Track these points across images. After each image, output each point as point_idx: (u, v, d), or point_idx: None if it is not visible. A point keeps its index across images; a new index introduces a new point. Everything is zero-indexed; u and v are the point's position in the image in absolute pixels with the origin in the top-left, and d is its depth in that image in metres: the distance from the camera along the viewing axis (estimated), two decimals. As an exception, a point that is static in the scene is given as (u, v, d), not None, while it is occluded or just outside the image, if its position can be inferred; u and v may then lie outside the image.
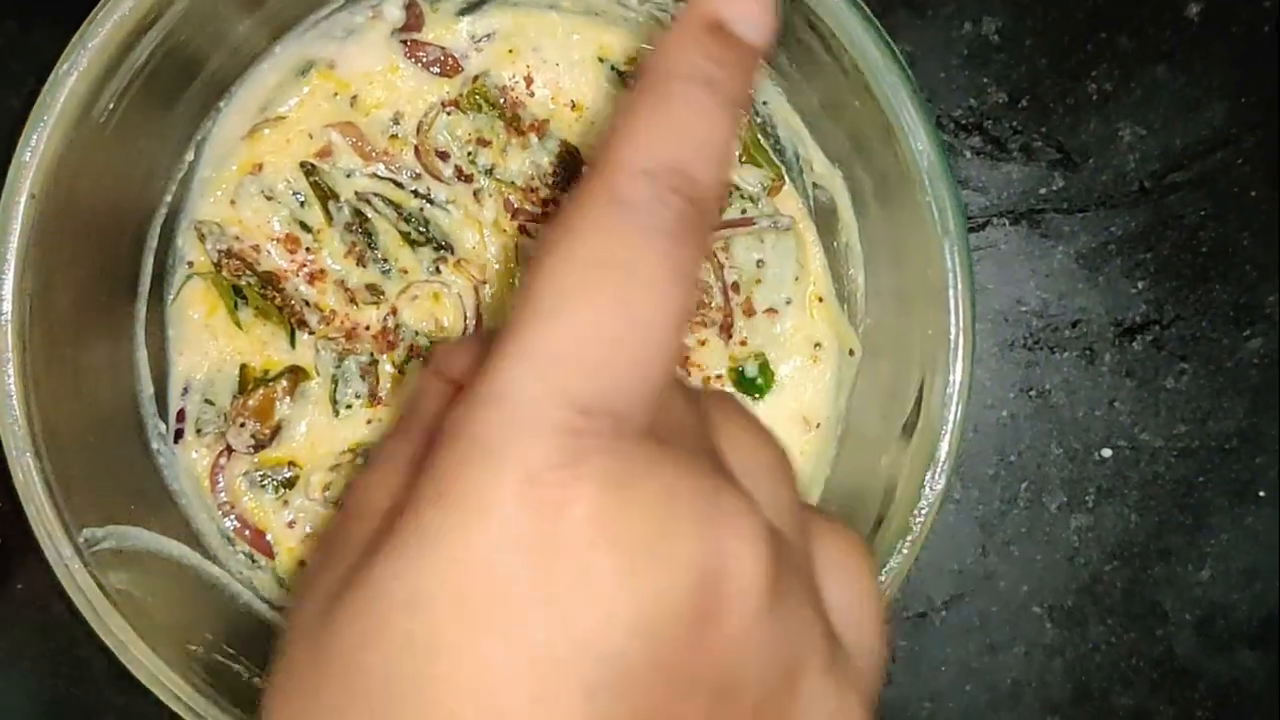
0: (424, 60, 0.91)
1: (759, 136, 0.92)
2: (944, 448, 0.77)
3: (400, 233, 0.91)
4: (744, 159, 0.92)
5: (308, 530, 0.92)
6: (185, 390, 0.92)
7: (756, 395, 0.92)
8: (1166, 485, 1.01)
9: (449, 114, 0.91)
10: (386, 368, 0.92)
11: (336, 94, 0.92)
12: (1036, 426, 1.01)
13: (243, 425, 0.90)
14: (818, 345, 0.92)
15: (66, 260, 0.81)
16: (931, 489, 0.77)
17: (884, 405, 0.85)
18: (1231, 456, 1.01)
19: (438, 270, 0.92)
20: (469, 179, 0.92)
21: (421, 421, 0.47)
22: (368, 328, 0.92)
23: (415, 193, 0.92)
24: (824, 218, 0.92)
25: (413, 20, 0.91)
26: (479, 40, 0.92)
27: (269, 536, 0.92)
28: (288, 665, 0.40)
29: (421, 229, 0.91)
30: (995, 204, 1.00)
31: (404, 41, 0.91)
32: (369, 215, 0.91)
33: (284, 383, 0.91)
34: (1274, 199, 1.00)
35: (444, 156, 0.92)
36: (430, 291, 0.92)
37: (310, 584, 0.41)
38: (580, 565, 0.34)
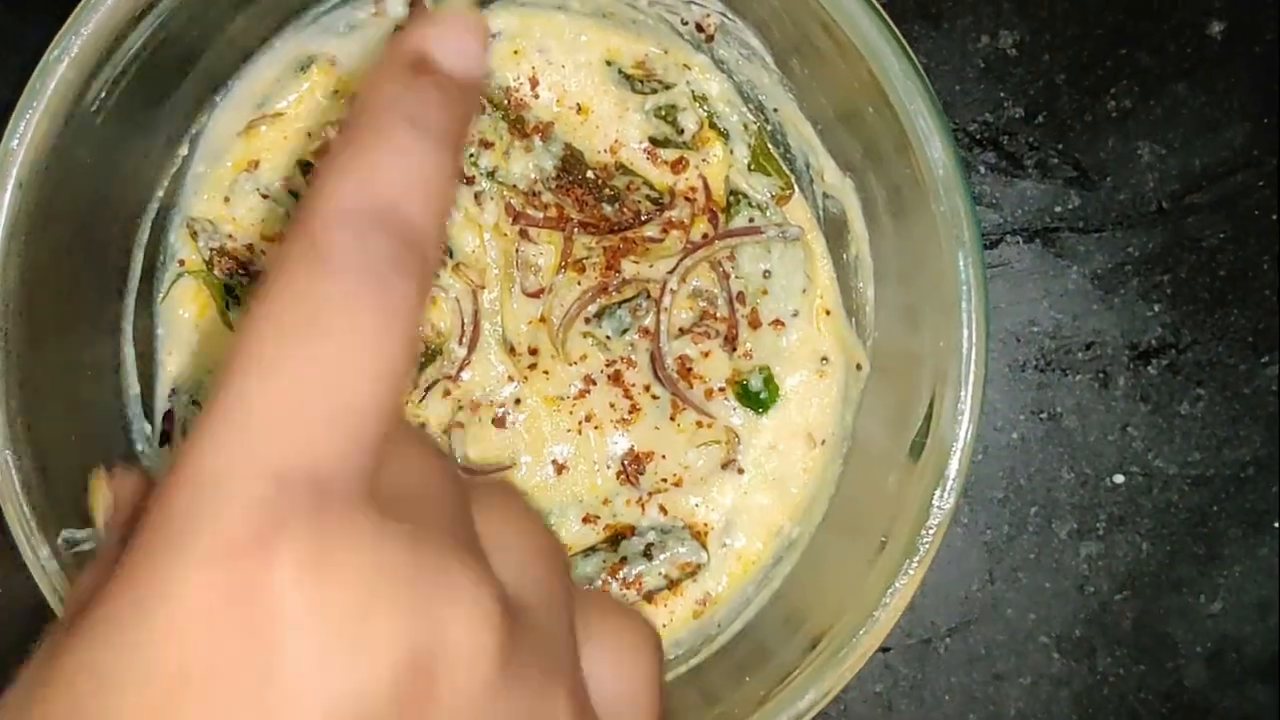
0: (427, 59, 0.89)
1: (768, 144, 0.90)
2: (954, 465, 0.74)
3: (398, 235, 0.89)
4: (753, 167, 0.90)
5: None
6: (173, 392, 0.89)
7: (760, 410, 0.90)
8: (1179, 514, 0.99)
9: (451, 114, 0.89)
10: (380, 373, 0.89)
11: (337, 91, 0.90)
12: (1047, 450, 0.99)
13: (231, 429, 0.88)
14: (824, 359, 0.90)
15: (53, 253, 0.78)
16: (940, 508, 0.74)
17: (892, 422, 0.82)
18: (1247, 485, 0.99)
19: (435, 274, 0.89)
20: (470, 181, 0.90)
21: (123, 514, 0.45)
22: (362, 331, 0.89)
23: (415, 194, 0.89)
24: (833, 229, 0.89)
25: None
26: (484, 40, 0.90)
27: (255, 545, 0.89)
28: None
29: (420, 231, 0.89)
30: (1009, 221, 0.98)
31: (407, 39, 0.89)
32: (367, 216, 0.89)
33: (275, 386, 0.89)
34: (1295, 223, 0.98)
35: (445, 158, 0.89)
36: (427, 296, 0.89)
37: (20, 673, 0.39)
38: (272, 651, 0.31)
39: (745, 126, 0.90)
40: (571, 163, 0.89)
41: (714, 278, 0.90)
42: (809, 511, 0.89)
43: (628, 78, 0.90)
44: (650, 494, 0.90)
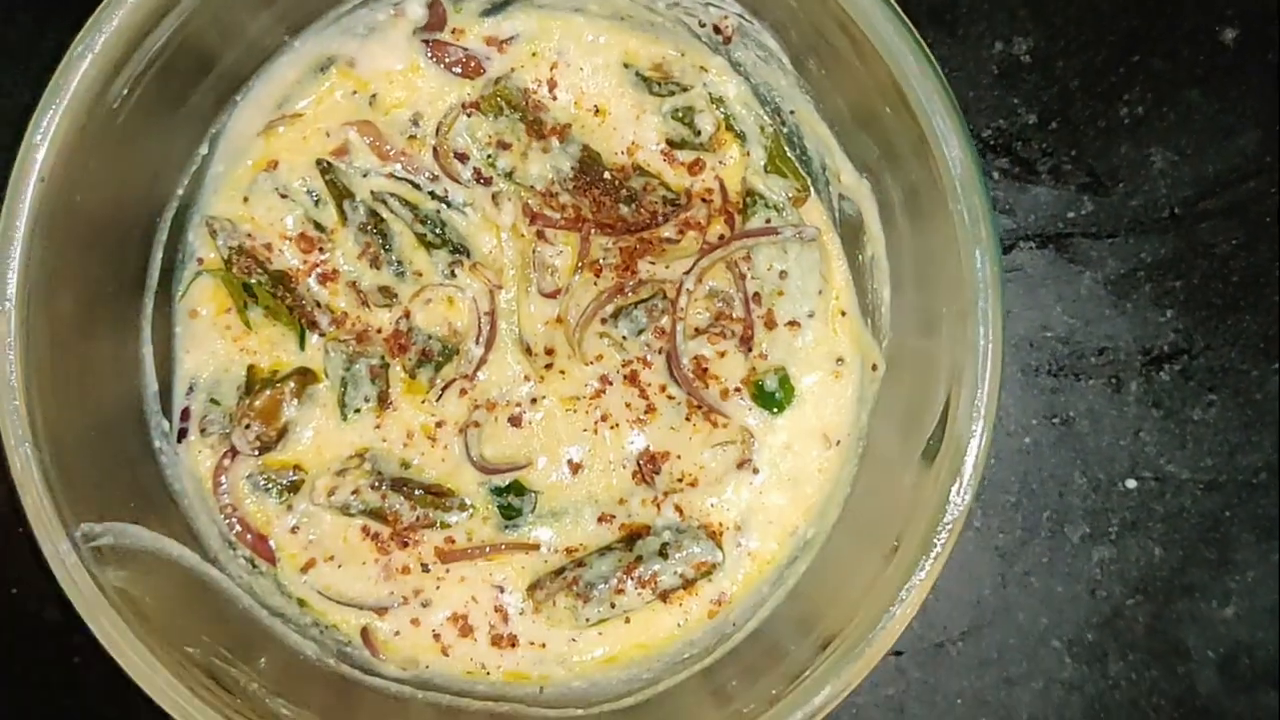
0: (446, 61, 0.90)
1: (785, 147, 0.91)
2: (970, 461, 0.74)
3: (416, 234, 0.89)
4: (769, 169, 0.90)
5: (311, 538, 0.90)
6: (191, 389, 0.90)
7: (776, 410, 0.90)
8: (1192, 519, 0.99)
9: (469, 116, 0.90)
10: (397, 371, 0.90)
11: (355, 92, 0.90)
12: (1059, 455, 0.99)
13: (248, 427, 0.88)
14: (840, 360, 0.90)
15: (74, 249, 0.79)
16: (956, 504, 0.75)
17: (907, 422, 0.82)
18: (1259, 491, 0.99)
19: (453, 274, 0.90)
20: (488, 182, 0.90)
21: None
22: (379, 330, 0.90)
23: (432, 194, 0.90)
24: (849, 231, 0.90)
25: (435, 19, 0.89)
26: (502, 42, 0.90)
27: (271, 542, 0.89)
28: None
29: (438, 231, 0.89)
30: (1022, 227, 0.99)
31: (426, 41, 0.89)
32: (384, 216, 0.90)
33: (292, 384, 0.89)
34: (1307, 229, 0.98)
35: (463, 158, 0.90)
36: (444, 295, 0.90)
37: None
38: None
39: (762, 129, 0.91)
40: (589, 164, 0.89)
41: (730, 279, 0.90)
42: (824, 512, 0.90)
43: (645, 80, 0.90)
44: (666, 493, 0.90)
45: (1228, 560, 0.99)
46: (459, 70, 0.90)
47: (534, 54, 0.90)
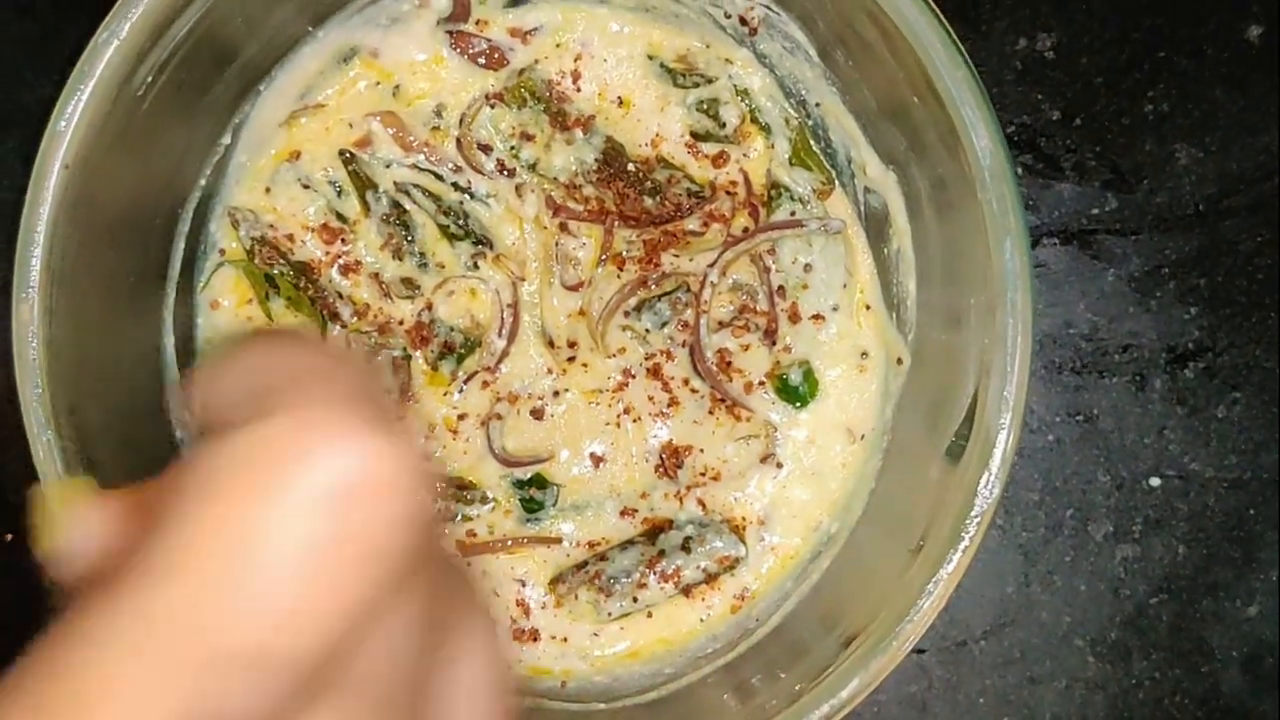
0: (470, 52, 0.89)
1: (810, 139, 0.90)
2: (998, 454, 0.74)
3: (439, 226, 0.89)
4: (794, 162, 0.90)
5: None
6: (211, 381, 0.89)
7: (800, 404, 0.89)
8: (1216, 517, 0.98)
9: (493, 107, 0.89)
10: (419, 364, 0.89)
11: (379, 83, 0.90)
12: (1083, 453, 0.98)
13: (269, 419, 0.87)
14: (864, 354, 0.90)
15: (96, 238, 0.78)
16: (985, 498, 0.74)
17: (932, 417, 0.82)
18: (1284, 490, 0.98)
19: (475, 265, 0.89)
20: (511, 173, 0.90)
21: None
22: (401, 322, 0.90)
23: (456, 185, 0.90)
24: (874, 224, 0.89)
25: (459, 10, 0.89)
26: (526, 33, 0.90)
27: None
28: None
29: (461, 223, 0.89)
30: (1046, 223, 0.98)
31: (450, 32, 0.89)
32: (407, 207, 0.89)
33: (313, 376, 0.89)
34: (1333, 226, 0.98)
35: (486, 150, 0.90)
36: (467, 287, 0.89)
37: None
38: None
39: (787, 121, 0.90)
40: (612, 156, 0.89)
41: (754, 271, 0.90)
42: (848, 507, 0.89)
43: (670, 71, 0.90)
44: (688, 487, 0.89)
45: (1252, 559, 0.98)
46: (483, 61, 0.90)
47: (558, 45, 0.90)
